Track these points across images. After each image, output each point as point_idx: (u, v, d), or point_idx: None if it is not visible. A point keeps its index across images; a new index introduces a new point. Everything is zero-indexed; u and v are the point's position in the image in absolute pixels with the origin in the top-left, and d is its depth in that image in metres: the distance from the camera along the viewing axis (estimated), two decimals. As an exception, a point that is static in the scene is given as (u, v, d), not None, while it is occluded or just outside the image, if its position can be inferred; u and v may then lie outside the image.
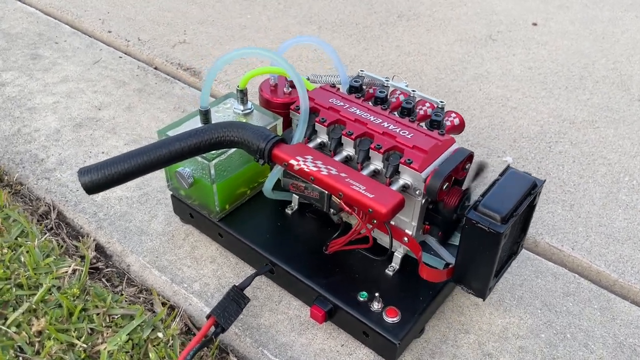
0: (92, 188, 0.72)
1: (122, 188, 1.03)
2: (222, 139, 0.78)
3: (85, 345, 0.73)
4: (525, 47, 1.57)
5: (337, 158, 0.78)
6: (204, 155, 0.84)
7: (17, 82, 1.31)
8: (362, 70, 0.89)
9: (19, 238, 0.89)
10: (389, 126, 0.77)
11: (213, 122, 0.86)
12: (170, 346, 0.75)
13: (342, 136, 0.78)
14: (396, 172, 0.74)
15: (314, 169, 0.74)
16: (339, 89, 0.87)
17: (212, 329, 0.74)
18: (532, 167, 1.13)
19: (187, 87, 1.33)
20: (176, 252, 0.92)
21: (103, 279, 0.88)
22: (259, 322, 0.81)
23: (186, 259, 0.91)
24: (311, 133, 0.81)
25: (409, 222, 0.77)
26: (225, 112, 0.92)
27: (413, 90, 0.85)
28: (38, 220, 0.97)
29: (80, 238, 0.94)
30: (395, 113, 0.83)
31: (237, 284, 0.81)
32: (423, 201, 0.75)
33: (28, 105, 1.24)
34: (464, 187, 0.79)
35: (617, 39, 1.63)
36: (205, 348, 0.77)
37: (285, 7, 1.73)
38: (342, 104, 0.82)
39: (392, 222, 0.79)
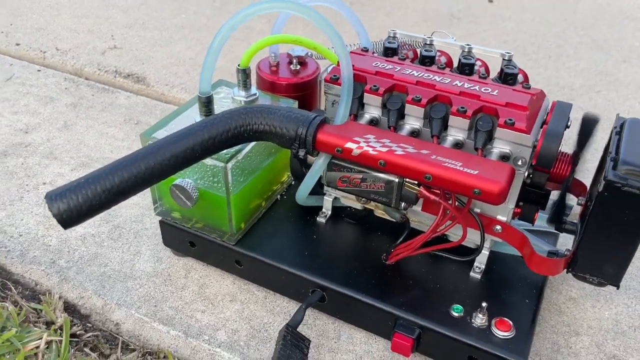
0: (69, 218, 0.48)
1: (80, 226, 0.77)
2: (243, 130, 0.57)
3: None
4: (492, 23, 1.48)
5: (405, 134, 0.60)
6: (215, 156, 0.62)
7: None
8: (393, 30, 0.72)
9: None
10: (462, 84, 0.60)
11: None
12: None
13: (407, 104, 0.59)
14: (489, 139, 0.57)
15: (383, 149, 0.55)
16: (374, 52, 0.68)
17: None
18: None
19: (133, 95, 1.08)
20: (181, 296, 0.68)
21: (86, 349, 0.63)
22: (322, 369, 0.60)
23: (196, 302, 0.67)
24: (357, 108, 0.62)
25: (503, 205, 0.60)
26: (221, 104, 0.70)
27: (467, 45, 0.68)
28: (-27, 285, 0.69)
29: (41, 297, 0.68)
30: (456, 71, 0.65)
31: (289, 323, 0.59)
32: (526, 174, 0.58)
33: None
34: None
35: (575, 7, 1.58)
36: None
37: (222, 4, 1.52)
38: (391, 66, 0.63)
39: (477, 209, 0.62)
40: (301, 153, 0.58)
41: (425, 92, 0.59)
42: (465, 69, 0.65)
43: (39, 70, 1.15)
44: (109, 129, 0.97)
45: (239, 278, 0.70)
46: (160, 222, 0.71)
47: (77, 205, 0.48)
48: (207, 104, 0.63)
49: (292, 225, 0.71)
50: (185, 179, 0.64)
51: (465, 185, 0.52)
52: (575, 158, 0.58)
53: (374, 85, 0.61)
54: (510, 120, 0.55)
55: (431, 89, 0.59)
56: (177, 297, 0.68)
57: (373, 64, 0.63)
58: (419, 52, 0.67)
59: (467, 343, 0.57)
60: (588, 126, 0.61)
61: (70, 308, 0.68)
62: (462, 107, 0.57)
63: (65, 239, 0.75)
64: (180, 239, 0.71)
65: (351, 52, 0.67)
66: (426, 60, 0.66)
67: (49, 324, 0.64)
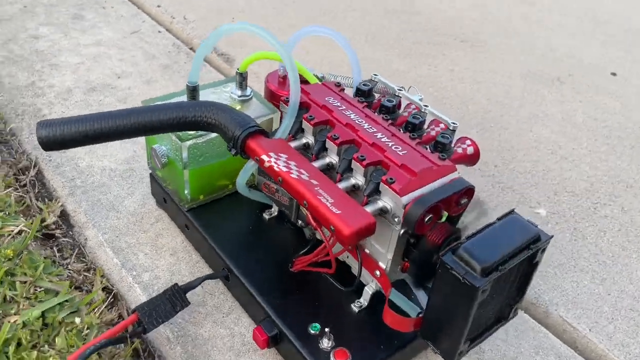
0: (48, 144, 0.65)
1: (109, 159, 0.96)
2: (197, 119, 0.69)
3: (-6, 313, 0.66)
4: (596, 95, 1.40)
5: (318, 164, 0.67)
6: (178, 134, 0.75)
7: (50, 37, 1.29)
8: (375, 75, 0.78)
9: (-21, 186, 0.84)
10: (382, 138, 0.66)
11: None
12: (85, 335, 0.66)
13: (327, 139, 0.67)
14: (376, 191, 0.62)
15: (284, 169, 0.63)
16: (343, 89, 0.76)
17: (132, 327, 0.65)
18: (567, 227, 0.97)
19: (214, 71, 1.26)
20: (138, 236, 0.83)
21: (54, 248, 0.81)
22: (197, 332, 0.71)
23: (146, 245, 0.82)
24: (297, 131, 0.71)
25: (383, 253, 0.65)
26: (221, 96, 0.83)
27: (425, 105, 0.73)
28: (15, 174, 0.92)
29: (48, 201, 0.88)
30: (401, 129, 0.71)
31: (181, 284, 0.71)
32: (402, 231, 0.62)
33: (52, 61, 1.21)
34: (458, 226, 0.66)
35: None
36: (120, 347, 0.67)
37: (334, 17, 1.64)
38: (338, 104, 0.71)
39: (366, 250, 0.67)
40: (232, 152, 0.68)
41: (345, 133, 0.66)
42: (409, 126, 0.70)
43: (159, 32, 1.38)
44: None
45: (187, 240, 0.84)
46: (150, 175, 0.87)
47: (55, 136, 0.65)
48: (192, 91, 0.77)
49: (242, 214, 0.82)
50: (161, 145, 0.79)
51: (326, 219, 0.59)
52: (454, 232, 0.61)
53: (311, 115, 0.69)
54: (391, 179, 0.60)
55: (352, 132, 0.66)
56: (135, 236, 0.83)
57: (325, 98, 0.71)
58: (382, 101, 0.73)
59: (305, 356, 0.64)
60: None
61: (64, 216, 0.87)
62: (362, 155, 0.63)
63: (91, 166, 0.95)
64: (159, 193, 0.86)
65: (323, 83, 0.76)
66: (382, 109, 0.72)
67: (42, 221, 0.84)
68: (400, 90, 0.75)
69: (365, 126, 0.67)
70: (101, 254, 0.81)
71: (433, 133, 0.73)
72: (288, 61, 0.69)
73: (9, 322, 0.64)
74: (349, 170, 0.65)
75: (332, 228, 0.58)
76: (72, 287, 0.74)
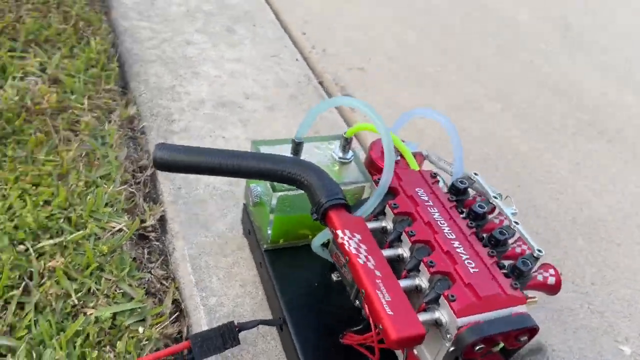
0: (160, 165, 0.73)
1: (215, 176, 1.04)
2: (291, 176, 0.73)
3: (76, 302, 0.74)
4: None
5: (388, 252, 0.68)
6: (273, 183, 0.80)
7: (201, 46, 1.41)
8: (475, 174, 0.77)
9: (100, 178, 0.95)
10: (459, 248, 0.65)
11: (302, 156, 0.82)
12: (143, 344, 0.72)
13: (403, 231, 0.68)
14: (436, 301, 0.62)
15: (354, 251, 0.65)
16: (438, 181, 0.76)
17: (184, 353, 0.70)
18: (652, 374, 0.89)
19: (335, 112, 1.31)
20: (218, 259, 0.89)
21: (145, 249, 0.90)
22: (240, 371, 0.75)
23: (222, 270, 0.88)
24: (380, 212, 0.72)
25: (429, 359, 0.64)
26: (324, 152, 0.87)
27: (516, 222, 0.71)
28: (133, 171, 1.03)
29: (152, 204, 0.97)
30: (484, 237, 0.70)
31: (237, 322, 0.76)
32: (451, 349, 0.61)
33: (196, 69, 1.33)
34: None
35: None
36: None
37: (470, 73, 1.61)
38: (426, 198, 0.71)
39: (414, 350, 0.67)
40: (314, 217, 0.72)
41: (422, 232, 0.66)
42: (492, 240, 0.68)
43: (296, 60, 1.46)
44: (295, 127, 1.22)
45: (257, 275, 0.88)
46: (243, 205, 0.93)
47: (168, 161, 0.73)
48: (296, 146, 0.81)
49: (313, 266, 0.85)
50: (257, 185, 0.84)
51: (377, 316, 0.60)
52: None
53: (395, 204, 0.70)
54: (452, 296, 0.59)
55: (430, 233, 0.66)
56: (215, 258, 0.89)
57: (416, 189, 0.72)
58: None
59: None
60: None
61: (162, 221, 0.96)
62: (431, 262, 0.63)
63: (199, 179, 1.03)
64: (246, 223, 0.92)
65: (419, 170, 0.76)
66: (471, 214, 0.71)
67: (142, 221, 0.93)
68: (496, 198, 0.73)
69: (445, 230, 0.67)
70: (182, 267, 0.88)
71: (518, 250, 0.71)
72: (387, 145, 0.70)
73: (84, 314, 0.73)
74: (416, 269, 0.65)
75: (379, 326, 0.59)
76: (147, 294, 0.81)
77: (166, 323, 0.78)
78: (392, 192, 0.72)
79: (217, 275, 0.87)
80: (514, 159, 1.31)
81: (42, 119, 1.04)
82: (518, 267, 0.65)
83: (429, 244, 0.66)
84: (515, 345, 0.61)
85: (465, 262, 0.63)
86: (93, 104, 1.14)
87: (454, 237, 0.66)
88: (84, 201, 0.91)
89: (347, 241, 0.66)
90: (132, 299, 0.78)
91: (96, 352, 0.68)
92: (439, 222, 0.68)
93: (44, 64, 1.20)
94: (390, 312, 0.59)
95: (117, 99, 1.17)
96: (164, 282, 0.86)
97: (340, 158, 0.85)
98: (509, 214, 0.72)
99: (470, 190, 0.76)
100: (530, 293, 0.74)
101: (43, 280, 0.78)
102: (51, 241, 0.82)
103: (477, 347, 0.58)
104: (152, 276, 0.86)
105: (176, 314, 0.81)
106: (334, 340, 0.75)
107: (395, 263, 0.68)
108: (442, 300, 0.61)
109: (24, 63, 1.18)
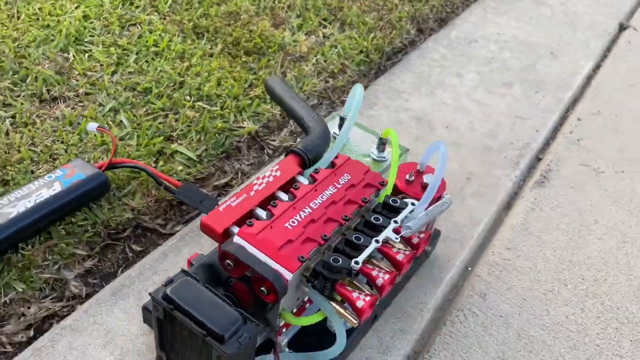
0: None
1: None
2: (303, 123, 0.88)
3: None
4: None
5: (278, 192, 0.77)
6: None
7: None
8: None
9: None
10: (315, 210, 0.71)
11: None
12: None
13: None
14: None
15: (263, 175, 0.73)
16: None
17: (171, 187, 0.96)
18: None
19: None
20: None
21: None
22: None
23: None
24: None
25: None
26: (365, 144, 0.96)
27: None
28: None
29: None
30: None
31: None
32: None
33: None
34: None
35: None
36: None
37: None
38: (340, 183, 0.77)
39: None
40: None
41: (303, 190, 0.74)
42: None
43: None
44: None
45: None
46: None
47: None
48: (340, 122, 0.95)
49: None
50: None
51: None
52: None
53: (316, 169, 0.78)
54: (250, 222, 0.68)
55: (308, 194, 0.73)
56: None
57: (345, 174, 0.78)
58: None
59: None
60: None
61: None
62: (274, 202, 0.71)
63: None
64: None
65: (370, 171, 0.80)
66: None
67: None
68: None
69: (319, 200, 0.73)
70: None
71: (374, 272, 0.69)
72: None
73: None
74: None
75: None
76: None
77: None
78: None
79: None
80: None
81: None
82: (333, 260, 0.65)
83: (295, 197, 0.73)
84: (258, 291, 0.65)
85: (300, 217, 0.70)
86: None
87: (321, 205, 0.72)
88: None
89: (269, 171, 0.80)
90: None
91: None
92: (324, 194, 0.74)
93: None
94: (221, 209, 0.73)
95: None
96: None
97: (376, 156, 0.93)
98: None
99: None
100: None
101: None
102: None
103: (226, 261, 0.66)
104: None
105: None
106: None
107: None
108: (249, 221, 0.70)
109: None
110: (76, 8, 1.31)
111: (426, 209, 0.76)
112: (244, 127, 1.15)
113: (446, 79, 1.46)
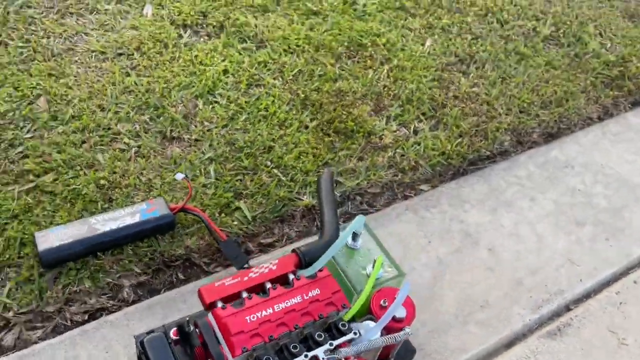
0: None
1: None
2: (324, 223, 1.08)
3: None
4: None
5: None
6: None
7: None
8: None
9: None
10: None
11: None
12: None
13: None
14: None
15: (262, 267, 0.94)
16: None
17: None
18: None
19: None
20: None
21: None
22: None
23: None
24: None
25: None
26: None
27: None
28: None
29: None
30: None
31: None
32: None
33: None
34: None
35: None
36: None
37: None
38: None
39: None
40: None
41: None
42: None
43: None
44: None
45: None
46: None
47: None
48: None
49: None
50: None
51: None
52: None
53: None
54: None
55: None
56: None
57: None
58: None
59: None
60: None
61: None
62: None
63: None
64: None
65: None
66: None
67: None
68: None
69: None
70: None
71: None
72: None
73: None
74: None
75: None
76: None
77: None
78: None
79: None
80: None
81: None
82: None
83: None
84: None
85: (261, 315, 0.90)
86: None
87: (283, 310, 0.92)
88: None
89: (269, 263, 1.02)
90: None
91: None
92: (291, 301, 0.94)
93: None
94: (216, 285, 0.97)
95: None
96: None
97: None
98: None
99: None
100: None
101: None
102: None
103: (196, 329, 0.91)
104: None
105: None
106: None
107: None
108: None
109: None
110: (222, 61, 1.63)
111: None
112: (303, 200, 1.37)
113: (518, 200, 1.52)
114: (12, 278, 1.12)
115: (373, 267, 1.09)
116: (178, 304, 1.16)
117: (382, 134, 1.55)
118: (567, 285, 1.34)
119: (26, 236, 1.16)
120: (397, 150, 1.53)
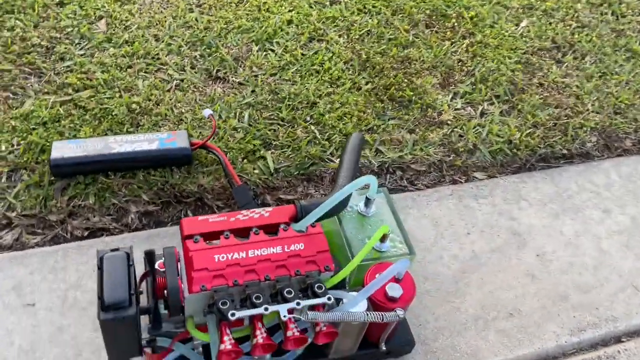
0: None
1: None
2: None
3: None
4: None
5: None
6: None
7: None
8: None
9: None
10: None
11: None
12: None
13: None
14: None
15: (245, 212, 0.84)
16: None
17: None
18: None
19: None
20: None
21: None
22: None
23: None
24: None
25: None
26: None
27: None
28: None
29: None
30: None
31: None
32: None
33: None
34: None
35: None
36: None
37: None
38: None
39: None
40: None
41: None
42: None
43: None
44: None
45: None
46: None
47: None
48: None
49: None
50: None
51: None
52: None
53: None
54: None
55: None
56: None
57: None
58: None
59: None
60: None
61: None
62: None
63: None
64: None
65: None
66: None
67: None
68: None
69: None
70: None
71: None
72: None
73: None
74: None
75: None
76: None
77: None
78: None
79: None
80: None
81: None
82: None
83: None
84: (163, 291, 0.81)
85: (230, 257, 0.82)
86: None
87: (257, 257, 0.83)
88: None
89: (262, 210, 0.92)
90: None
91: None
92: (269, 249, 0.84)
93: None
94: (199, 219, 0.90)
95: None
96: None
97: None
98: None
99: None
100: None
101: None
102: None
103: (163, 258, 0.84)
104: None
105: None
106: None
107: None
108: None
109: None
110: (289, 11, 1.56)
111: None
112: (335, 163, 1.26)
113: (587, 209, 1.31)
114: (24, 180, 1.12)
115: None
116: (178, 240, 1.11)
117: (442, 109, 1.40)
118: (623, 312, 1.13)
119: (48, 144, 1.16)
120: (456, 129, 1.37)
